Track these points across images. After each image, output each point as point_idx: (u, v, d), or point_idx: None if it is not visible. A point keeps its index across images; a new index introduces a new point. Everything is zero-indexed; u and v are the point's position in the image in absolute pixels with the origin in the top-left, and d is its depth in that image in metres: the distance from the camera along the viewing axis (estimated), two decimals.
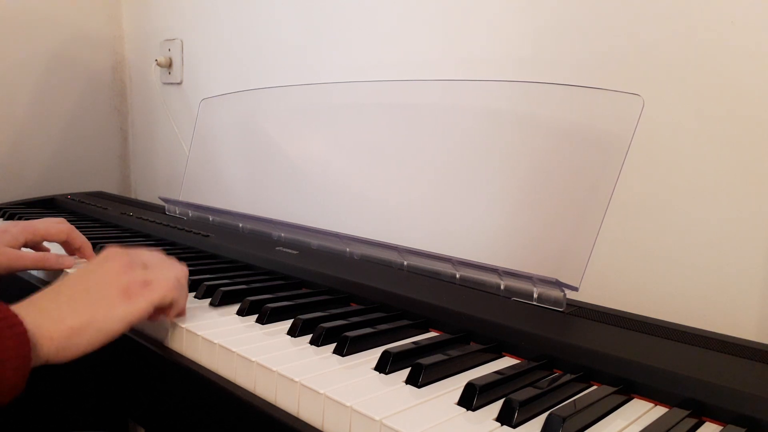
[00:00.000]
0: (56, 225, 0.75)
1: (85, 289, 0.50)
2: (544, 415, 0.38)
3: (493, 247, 0.66)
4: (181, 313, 0.56)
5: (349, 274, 0.67)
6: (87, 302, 0.49)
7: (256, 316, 0.58)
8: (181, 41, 1.39)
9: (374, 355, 0.48)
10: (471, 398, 0.41)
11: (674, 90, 0.68)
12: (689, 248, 0.68)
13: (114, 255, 0.54)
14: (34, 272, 0.80)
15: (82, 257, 0.77)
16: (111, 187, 1.57)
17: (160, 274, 0.54)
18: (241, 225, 0.92)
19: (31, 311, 0.46)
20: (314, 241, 0.81)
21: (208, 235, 0.87)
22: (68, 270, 0.73)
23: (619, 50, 0.72)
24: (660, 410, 0.42)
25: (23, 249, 0.73)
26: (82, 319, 0.47)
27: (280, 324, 0.56)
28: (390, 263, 0.72)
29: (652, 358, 0.45)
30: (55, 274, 0.75)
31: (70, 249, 0.77)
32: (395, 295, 0.60)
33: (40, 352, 0.45)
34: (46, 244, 0.78)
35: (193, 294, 0.64)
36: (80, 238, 0.76)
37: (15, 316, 0.44)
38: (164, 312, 0.55)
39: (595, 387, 0.45)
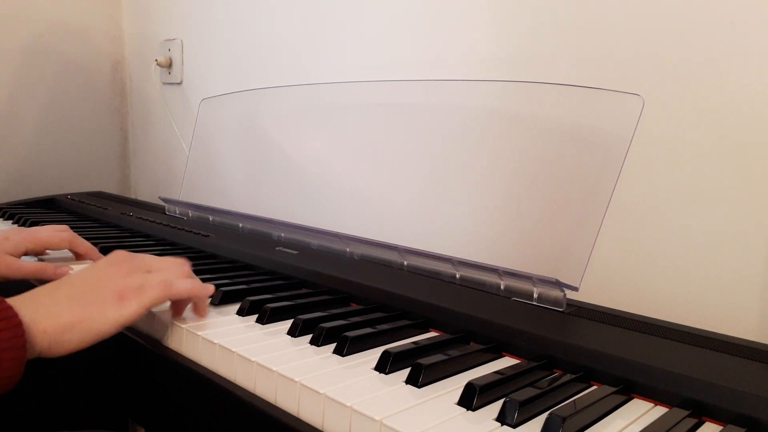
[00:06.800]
0: (58, 234, 0.75)
1: (83, 290, 0.51)
2: (544, 415, 0.38)
3: (494, 246, 0.66)
4: (199, 308, 0.57)
5: (349, 274, 0.67)
6: (83, 302, 0.50)
7: (256, 316, 0.58)
8: (181, 41, 1.39)
9: (374, 355, 0.48)
10: (471, 398, 0.41)
11: (674, 90, 0.68)
12: (689, 248, 0.68)
13: (118, 259, 0.55)
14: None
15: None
16: (111, 187, 1.57)
17: (155, 278, 0.54)
18: (241, 225, 0.92)
19: (28, 304, 0.47)
20: (314, 241, 0.81)
21: (208, 235, 0.87)
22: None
23: (619, 50, 0.72)
24: (660, 410, 0.42)
25: (24, 257, 0.73)
26: (76, 317, 0.48)
27: (280, 324, 0.56)
28: (390, 263, 0.72)
29: (652, 358, 0.45)
30: None
31: (76, 255, 0.77)
32: (395, 295, 0.60)
33: (35, 344, 0.46)
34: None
35: None
36: (84, 245, 0.76)
37: (10, 308, 0.45)
38: (182, 308, 0.57)
39: (595, 387, 0.45)
